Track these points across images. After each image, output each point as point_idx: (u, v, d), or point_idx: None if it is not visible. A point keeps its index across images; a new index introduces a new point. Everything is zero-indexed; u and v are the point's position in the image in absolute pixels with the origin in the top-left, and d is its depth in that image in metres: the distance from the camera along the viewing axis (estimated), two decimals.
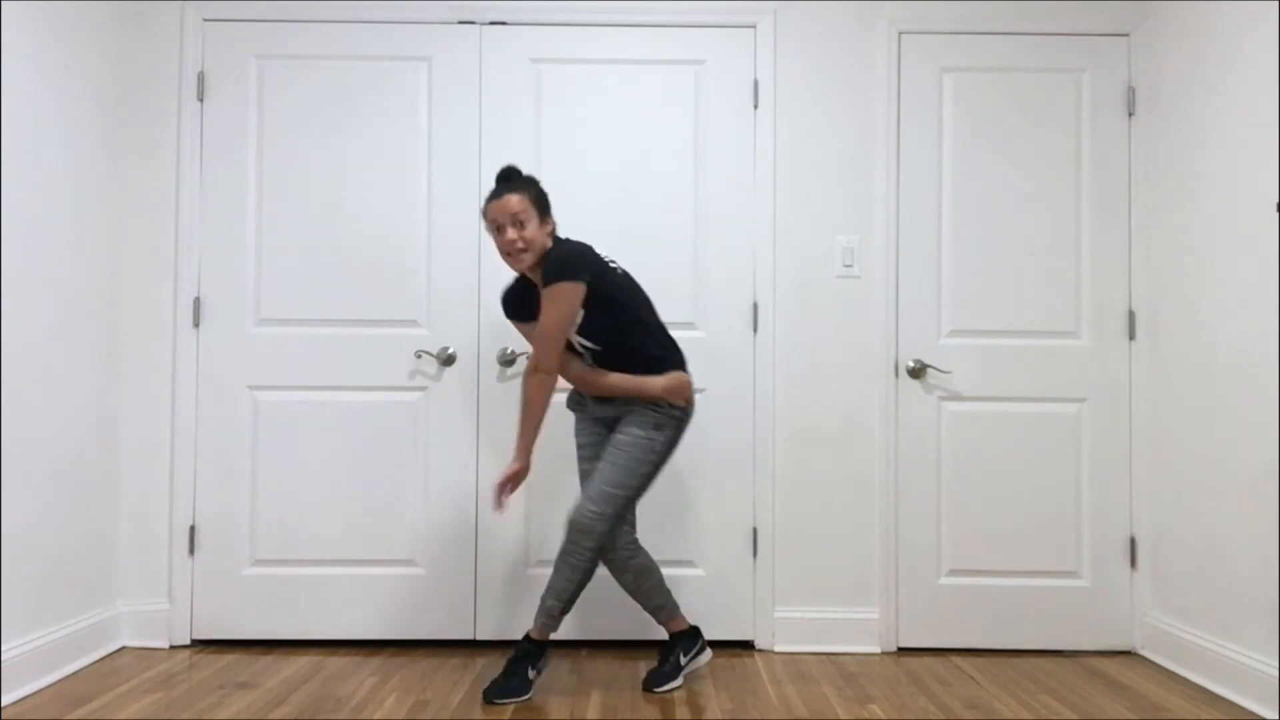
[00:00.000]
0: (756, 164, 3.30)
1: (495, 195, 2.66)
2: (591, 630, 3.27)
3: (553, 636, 3.24)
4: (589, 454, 2.85)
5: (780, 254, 3.30)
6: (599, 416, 2.81)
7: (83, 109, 3.01)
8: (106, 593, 3.17)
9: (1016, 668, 3.08)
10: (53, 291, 2.87)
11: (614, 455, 2.67)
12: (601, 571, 3.27)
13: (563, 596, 2.69)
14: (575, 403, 2.88)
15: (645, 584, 2.80)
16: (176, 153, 3.27)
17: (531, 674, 2.70)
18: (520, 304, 2.80)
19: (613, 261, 2.74)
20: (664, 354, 2.73)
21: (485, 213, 2.68)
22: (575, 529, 2.65)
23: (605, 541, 2.68)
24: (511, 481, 2.70)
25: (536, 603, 3.25)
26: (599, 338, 2.69)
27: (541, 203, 2.67)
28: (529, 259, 2.64)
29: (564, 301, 2.58)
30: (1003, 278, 3.31)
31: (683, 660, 2.85)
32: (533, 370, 2.63)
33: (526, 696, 2.69)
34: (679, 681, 2.83)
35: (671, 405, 2.71)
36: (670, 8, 3.31)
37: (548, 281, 2.58)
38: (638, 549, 2.79)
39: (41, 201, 2.81)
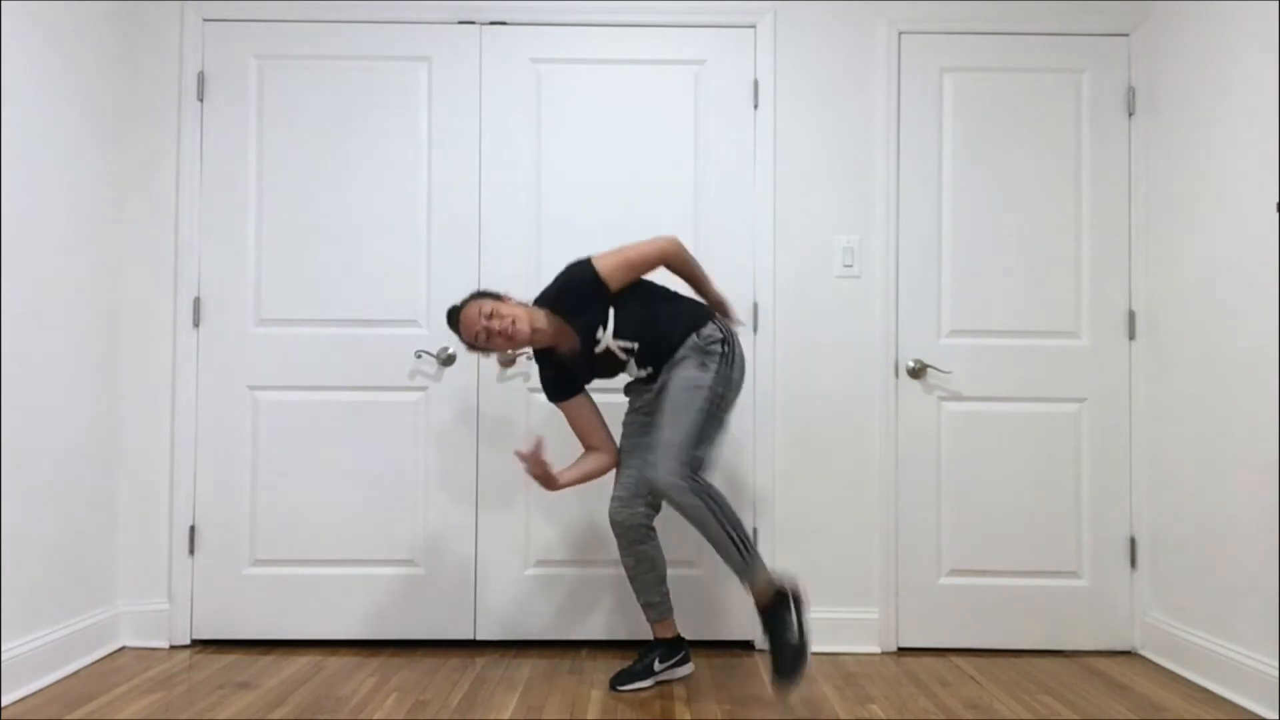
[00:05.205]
0: (756, 164, 3.30)
1: (455, 323, 2.71)
2: (591, 630, 3.27)
3: (552, 637, 3.26)
4: (631, 431, 2.85)
5: (780, 254, 3.30)
6: (654, 388, 2.78)
7: (82, 109, 3.01)
8: (106, 593, 3.17)
9: (1016, 668, 3.08)
10: (53, 291, 2.87)
11: (665, 407, 2.62)
12: (603, 572, 3.28)
13: (723, 546, 2.54)
14: (637, 384, 2.85)
15: (644, 574, 2.81)
16: (176, 153, 3.27)
17: (792, 618, 2.55)
18: (559, 382, 2.79)
19: None
20: (694, 321, 2.69)
21: (463, 339, 2.70)
22: (660, 490, 2.57)
23: (700, 479, 2.56)
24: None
25: (536, 603, 3.26)
26: (634, 331, 2.68)
27: (494, 294, 2.72)
28: (524, 327, 2.62)
29: (608, 252, 2.69)
30: (1003, 278, 3.31)
31: (657, 665, 2.84)
32: (661, 250, 2.70)
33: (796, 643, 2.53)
34: (647, 683, 2.82)
35: (711, 341, 2.65)
36: (670, 8, 3.31)
37: (585, 271, 2.66)
38: (650, 536, 2.81)
39: (41, 201, 2.81)
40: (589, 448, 2.84)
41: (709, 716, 2.58)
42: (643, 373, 2.76)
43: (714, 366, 2.63)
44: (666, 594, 2.86)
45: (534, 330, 2.66)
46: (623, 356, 2.72)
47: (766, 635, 2.56)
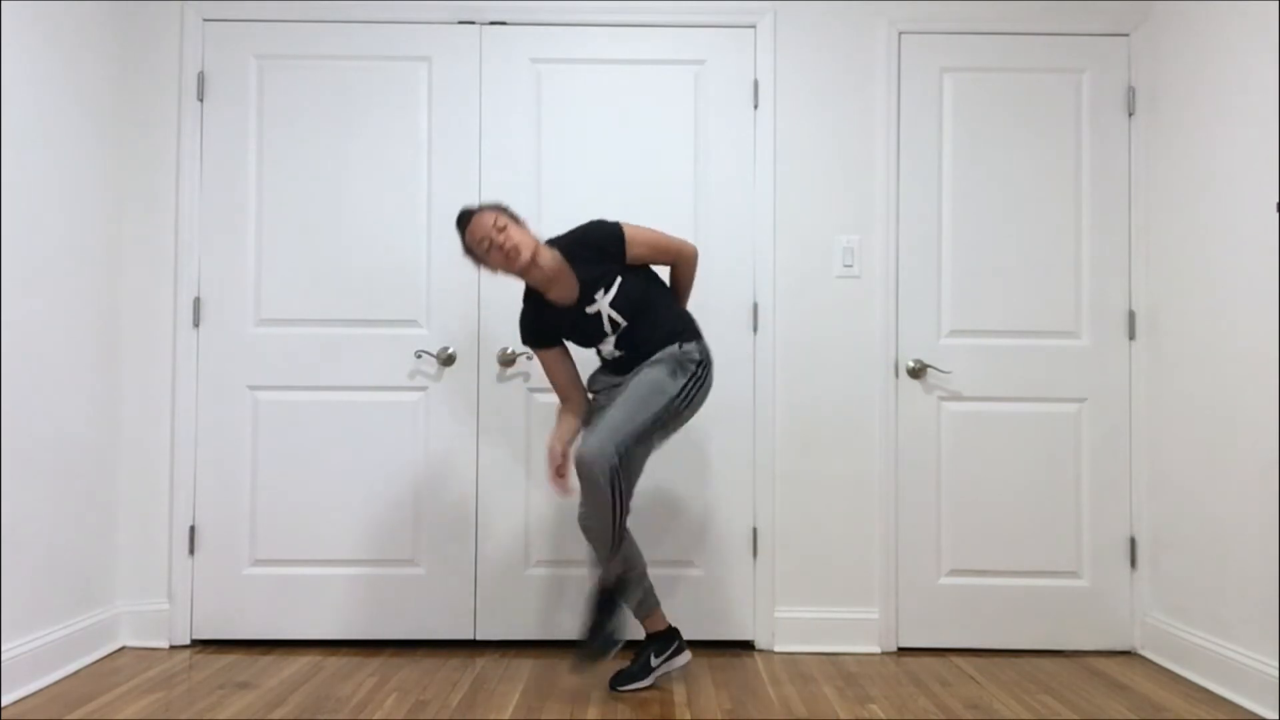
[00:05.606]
0: (756, 164, 3.30)
1: (465, 223, 2.67)
2: None
3: (554, 636, 3.26)
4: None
5: (780, 254, 3.30)
6: (623, 380, 2.75)
7: (82, 109, 3.01)
8: (106, 593, 3.17)
9: (1016, 668, 3.08)
10: (53, 291, 2.87)
11: (624, 396, 2.61)
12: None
13: (605, 539, 2.60)
14: (603, 374, 2.83)
15: (626, 574, 2.77)
16: (176, 153, 3.27)
17: (611, 616, 2.68)
18: (540, 332, 2.77)
19: None
20: (684, 332, 2.72)
21: (467, 243, 2.67)
22: (579, 461, 2.52)
23: (620, 473, 2.53)
24: None
25: (536, 602, 3.26)
26: (629, 308, 2.66)
27: (512, 214, 2.68)
28: (526, 255, 2.59)
29: (639, 226, 2.73)
30: (1003, 278, 3.31)
31: (653, 661, 2.83)
32: (682, 250, 2.76)
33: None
34: (647, 682, 2.81)
35: (689, 358, 2.67)
36: (670, 8, 3.31)
37: (613, 229, 2.67)
38: (626, 536, 2.78)
39: (41, 202, 2.81)
40: (565, 398, 2.81)
41: (709, 716, 2.58)
42: (618, 353, 2.73)
43: (683, 380, 2.65)
44: (650, 589, 2.84)
45: (534, 265, 2.62)
46: (608, 328, 2.69)
47: (591, 614, 2.66)
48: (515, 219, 2.67)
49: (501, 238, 2.59)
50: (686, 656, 2.90)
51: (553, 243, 2.71)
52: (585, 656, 2.66)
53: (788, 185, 3.31)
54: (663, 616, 2.87)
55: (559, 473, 2.71)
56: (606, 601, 2.67)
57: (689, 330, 2.73)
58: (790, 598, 3.27)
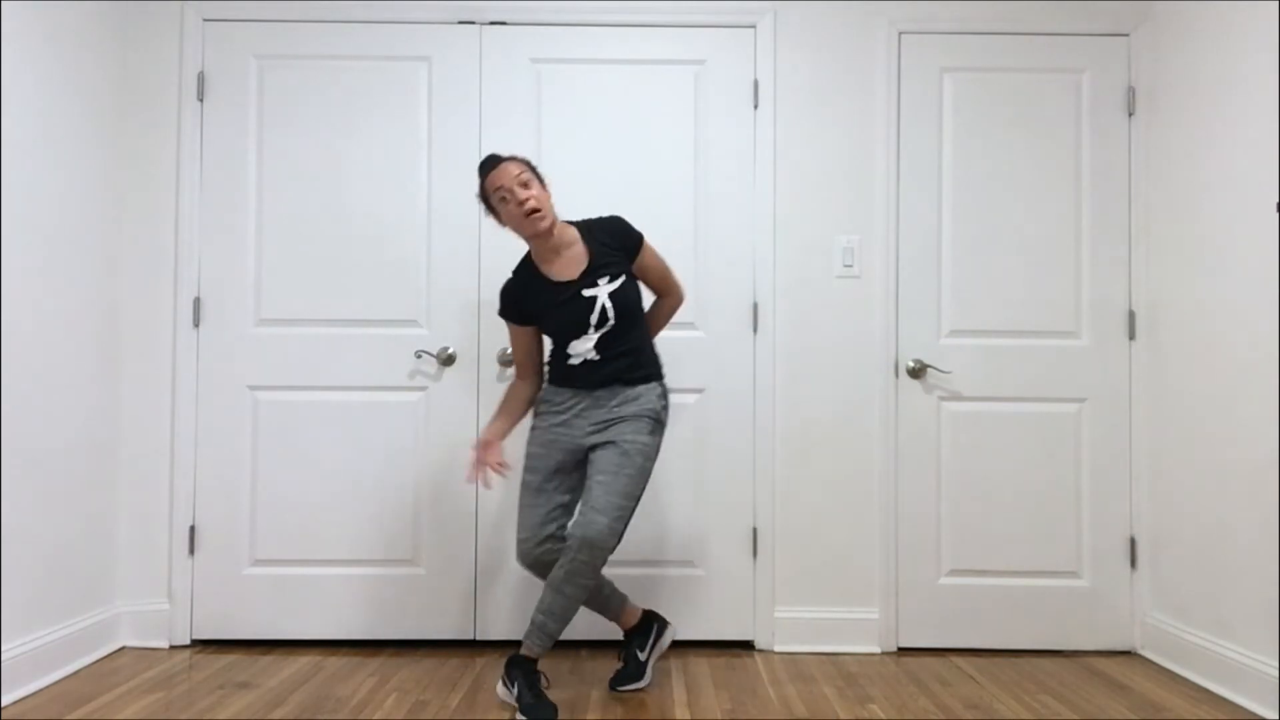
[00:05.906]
0: (756, 164, 3.30)
1: (489, 169, 2.60)
2: (591, 630, 3.26)
3: None
4: (540, 464, 2.68)
5: (780, 254, 3.30)
6: (581, 411, 2.67)
7: (82, 109, 3.01)
8: (106, 593, 3.17)
9: (1016, 668, 3.08)
10: (53, 291, 2.87)
11: (623, 463, 2.55)
12: (604, 572, 3.28)
13: (566, 618, 2.54)
14: (559, 392, 2.70)
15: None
16: (176, 153, 3.27)
17: (544, 684, 2.62)
18: (520, 304, 2.69)
19: None
20: (656, 366, 2.74)
21: (485, 189, 2.60)
22: (591, 546, 2.48)
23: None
24: None
25: (535, 603, 3.25)
26: (624, 309, 2.62)
27: (538, 172, 2.63)
28: (546, 222, 2.55)
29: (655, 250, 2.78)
30: (1003, 278, 3.31)
31: (641, 655, 2.82)
32: (676, 289, 2.82)
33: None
34: (646, 679, 2.81)
35: (664, 408, 2.70)
36: (670, 8, 3.31)
37: (636, 231, 2.69)
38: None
39: (41, 202, 2.81)
40: (520, 375, 2.76)
41: (709, 716, 2.58)
42: (594, 355, 2.62)
43: (659, 436, 2.68)
44: (613, 590, 2.81)
45: (546, 232, 2.58)
46: (594, 319, 2.60)
47: (515, 678, 2.55)
48: (539, 178, 2.62)
49: (524, 194, 2.55)
50: (672, 632, 2.89)
51: (571, 223, 2.70)
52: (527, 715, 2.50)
53: (788, 185, 3.31)
54: (635, 609, 2.86)
55: (482, 460, 2.62)
56: (529, 668, 2.56)
57: (661, 369, 2.76)
58: (790, 598, 3.27)
